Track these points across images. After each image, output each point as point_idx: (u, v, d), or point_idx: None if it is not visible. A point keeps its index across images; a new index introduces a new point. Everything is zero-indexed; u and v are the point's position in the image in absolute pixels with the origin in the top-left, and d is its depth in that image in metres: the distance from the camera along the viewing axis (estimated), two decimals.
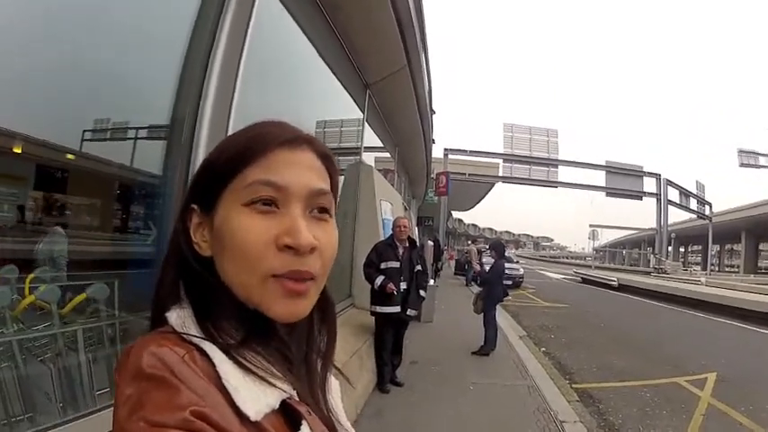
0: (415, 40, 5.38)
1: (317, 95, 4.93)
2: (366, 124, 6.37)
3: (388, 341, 4.35)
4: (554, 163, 32.07)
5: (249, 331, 0.49)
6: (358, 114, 6.16)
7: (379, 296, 4.24)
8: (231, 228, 0.49)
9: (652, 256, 36.42)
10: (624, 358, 6.75)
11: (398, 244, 4.38)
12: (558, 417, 4.05)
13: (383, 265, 4.27)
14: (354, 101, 5.95)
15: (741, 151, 45.15)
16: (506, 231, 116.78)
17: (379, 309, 4.27)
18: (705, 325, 11.28)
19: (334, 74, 4.93)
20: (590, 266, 37.65)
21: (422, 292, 4.54)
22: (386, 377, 4.32)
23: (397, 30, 4.76)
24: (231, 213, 0.49)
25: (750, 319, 11.40)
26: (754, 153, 45.14)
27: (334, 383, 0.62)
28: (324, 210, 0.53)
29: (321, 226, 0.52)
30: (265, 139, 0.51)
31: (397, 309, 4.25)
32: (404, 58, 5.54)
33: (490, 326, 6.05)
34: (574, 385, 5.22)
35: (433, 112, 10.26)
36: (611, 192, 33.05)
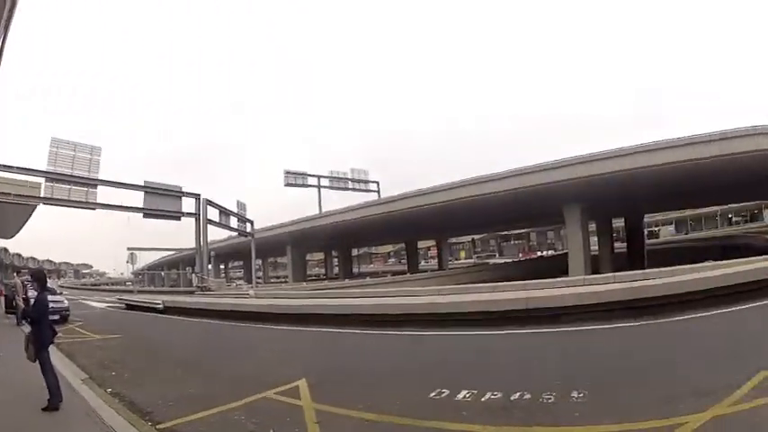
0: None
1: None
2: None
3: None
4: (93, 183, 30.66)
5: None
6: None
7: None
8: None
9: (193, 275, 37.05)
10: (199, 384, 6.27)
11: None
12: None
13: None
14: None
15: (287, 172, 54.02)
16: (47, 260, 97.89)
17: None
18: (269, 335, 11.32)
19: None
20: (132, 291, 37.27)
21: None
22: None
23: None
24: None
25: (311, 321, 11.57)
26: (300, 174, 54.16)
27: None
28: None
29: None
30: None
31: None
32: None
33: (49, 374, 5.19)
34: (159, 426, 4.58)
35: None
36: (149, 213, 33.37)
